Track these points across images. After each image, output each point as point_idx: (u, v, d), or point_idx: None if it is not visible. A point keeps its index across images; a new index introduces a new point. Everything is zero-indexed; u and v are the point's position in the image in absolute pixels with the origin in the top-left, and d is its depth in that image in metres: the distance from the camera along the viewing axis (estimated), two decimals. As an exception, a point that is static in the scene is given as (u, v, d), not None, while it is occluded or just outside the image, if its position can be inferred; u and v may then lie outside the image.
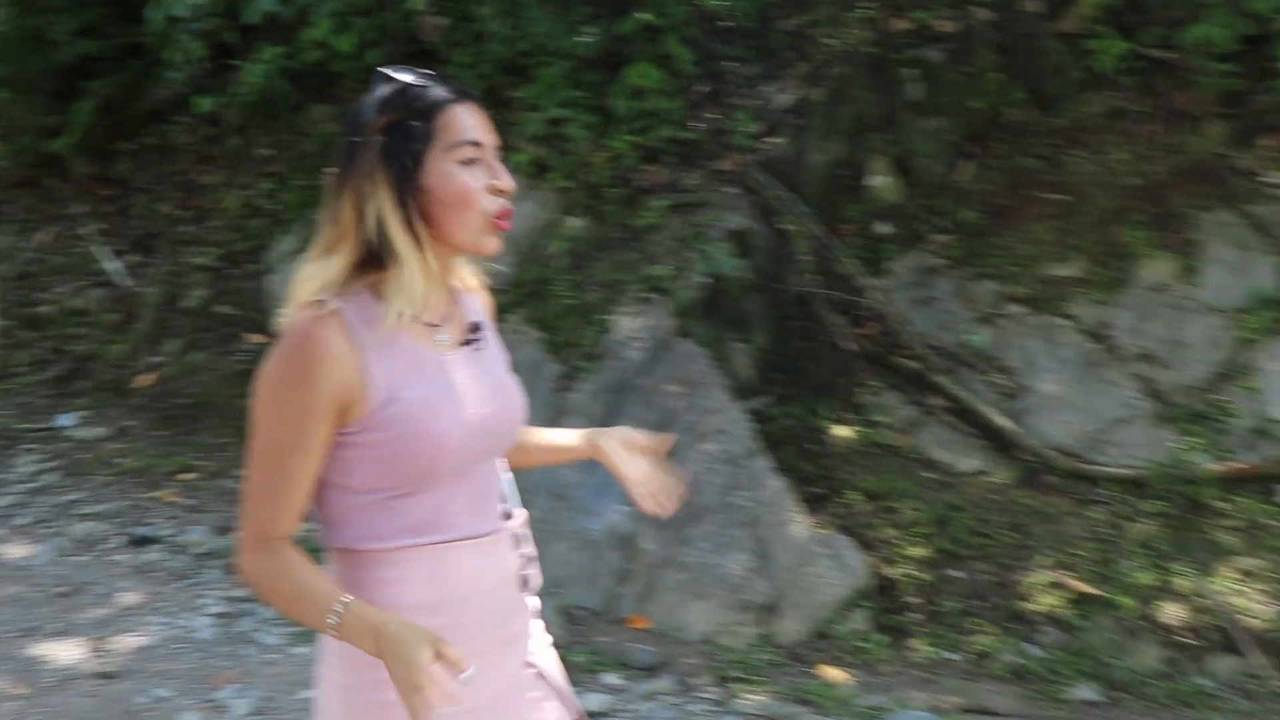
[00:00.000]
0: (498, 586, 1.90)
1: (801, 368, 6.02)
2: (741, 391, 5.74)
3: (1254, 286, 5.75)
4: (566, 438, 2.22)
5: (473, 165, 1.78)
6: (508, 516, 1.96)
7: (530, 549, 1.99)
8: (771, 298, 6.21)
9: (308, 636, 5.09)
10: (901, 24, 6.87)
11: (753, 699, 4.59)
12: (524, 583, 1.96)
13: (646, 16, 6.69)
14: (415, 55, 7.15)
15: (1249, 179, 6.06)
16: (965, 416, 5.69)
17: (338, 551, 1.84)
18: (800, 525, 5.19)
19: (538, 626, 2.04)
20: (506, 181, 1.81)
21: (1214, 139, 6.17)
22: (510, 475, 2.03)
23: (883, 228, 6.43)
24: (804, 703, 4.56)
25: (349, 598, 1.66)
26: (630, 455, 2.12)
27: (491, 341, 1.98)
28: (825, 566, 5.09)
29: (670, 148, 6.59)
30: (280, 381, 1.71)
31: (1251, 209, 5.97)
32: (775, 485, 5.29)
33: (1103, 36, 6.36)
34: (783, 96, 6.84)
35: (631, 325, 5.89)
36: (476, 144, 1.79)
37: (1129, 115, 6.36)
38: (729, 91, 6.92)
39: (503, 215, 1.80)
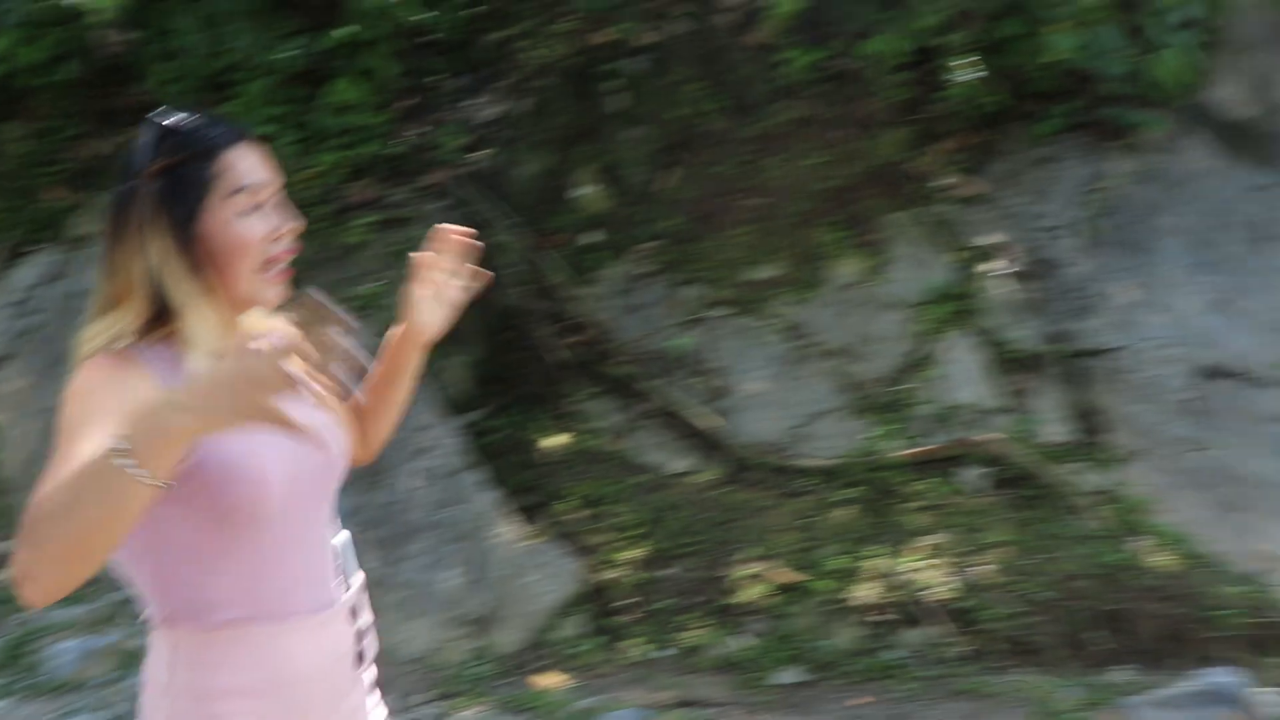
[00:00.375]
0: (334, 665, 1.79)
1: (515, 379, 6.08)
2: (455, 406, 5.75)
3: (932, 281, 6.16)
4: (386, 360, 2.07)
5: (253, 211, 1.68)
6: (344, 585, 1.84)
7: (367, 617, 1.88)
8: (483, 311, 6.21)
9: (32, 690, 4.84)
10: (603, 37, 7.01)
11: (470, 712, 4.61)
12: (360, 657, 1.85)
13: (350, 30, 6.61)
14: (110, 70, 6.87)
15: (925, 182, 6.47)
16: (674, 419, 5.87)
17: (164, 629, 1.70)
18: (514, 536, 5.24)
19: (373, 700, 1.95)
20: (289, 225, 1.72)
21: (894, 145, 6.56)
22: (347, 536, 1.90)
23: (591, 237, 6.56)
24: (520, 711, 4.62)
25: (121, 430, 1.33)
26: (436, 304, 2.00)
27: (303, 380, 1.90)
28: (540, 575, 5.16)
29: (377, 163, 6.53)
30: (71, 395, 1.54)
31: (928, 210, 6.38)
32: (488, 498, 5.33)
33: (791, 48, 6.66)
34: (489, 110, 6.89)
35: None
36: (257, 188, 1.69)
37: (818, 123, 6.68)
38: (435, 105, 6.92)
39: (284, 261, 1.72)
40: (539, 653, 5.07)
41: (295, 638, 1.72)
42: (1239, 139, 6.80)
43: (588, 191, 6.71)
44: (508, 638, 5.07)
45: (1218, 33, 6.79)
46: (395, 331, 2.04)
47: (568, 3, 6.92)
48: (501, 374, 6.12)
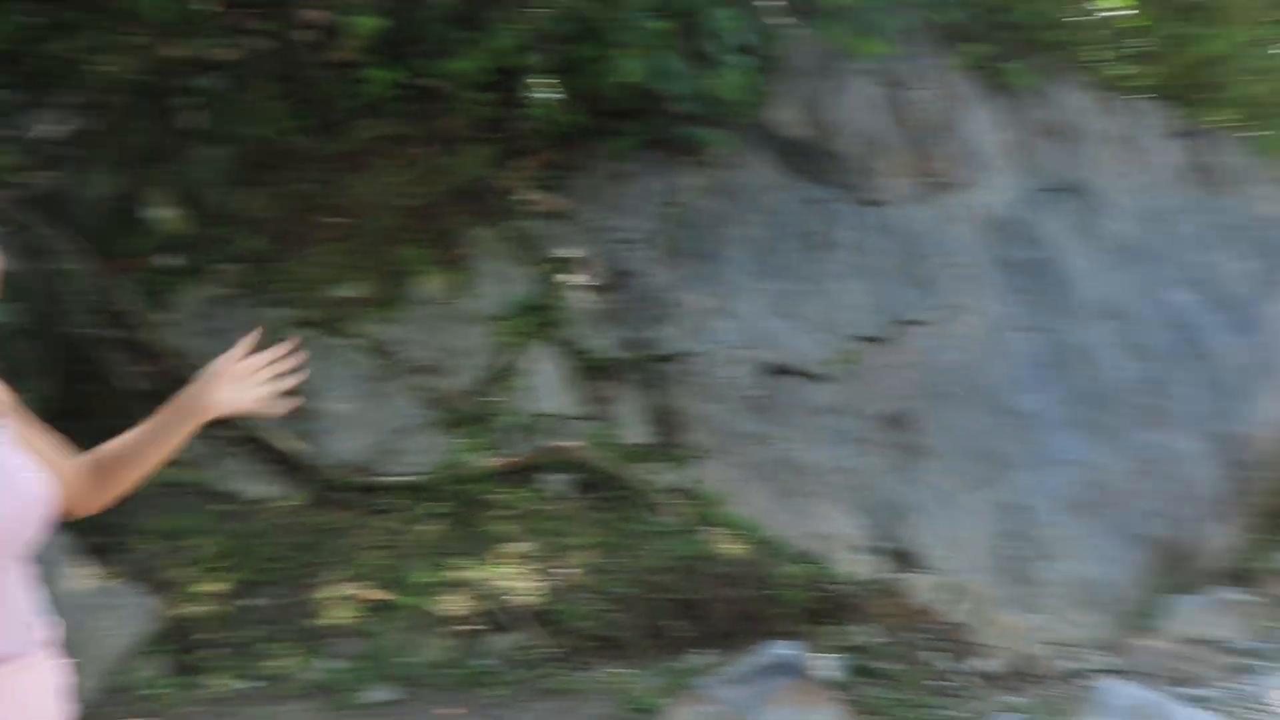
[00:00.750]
0: (35, 710, 1.72)
1: (87, 412, 5.72)
2: (16, 444, 5.38)
3: (515, 295, 6.34)
4: (158, 423, 1.95)
5: None
6: (38, 633, 1.75)
7: (65, 660, 1.82)
8: (51, 342, 5.87)
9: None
10: (176, 51, 6.75)
11: (31, 770, 4.33)
12: (57, 700, 1.78)
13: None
14: None
15: (508, 197, 6.64)
16: (257, 444, 5.74)
17: None
18: (85, 578, 4.97)
19: None
20: None
21: (477, 162, 6.69)
22: (39, 582, 1.79)
23: (167, 260, 6.30)
24: (92, 762, 4.38)
25: None
26: (235, 390, 1.96)
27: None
28: (114, 617, 4.91)
29: (-81, 186, 6.02)
30: None
31: (511, 224, 6.56)
32: (55, 540, 5.02)
33: (372, 66, 6.66)
34: (52, 127, 6.48)
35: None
36: None
37: (402, 141, 6.73)
38: (-11, 122, 6.45)
39: None
40: (115, 698, 4.82)
41: None
42: (796, 157, 7.41)
43: (163, 213, 6.44)
44: (81, 685, 4.77)
45: (774, 60, 7.37)
46: (182, 403, 1.97)
47: (137, 15, 6.62)
48: (73, 407, 5.75)
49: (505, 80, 6.69)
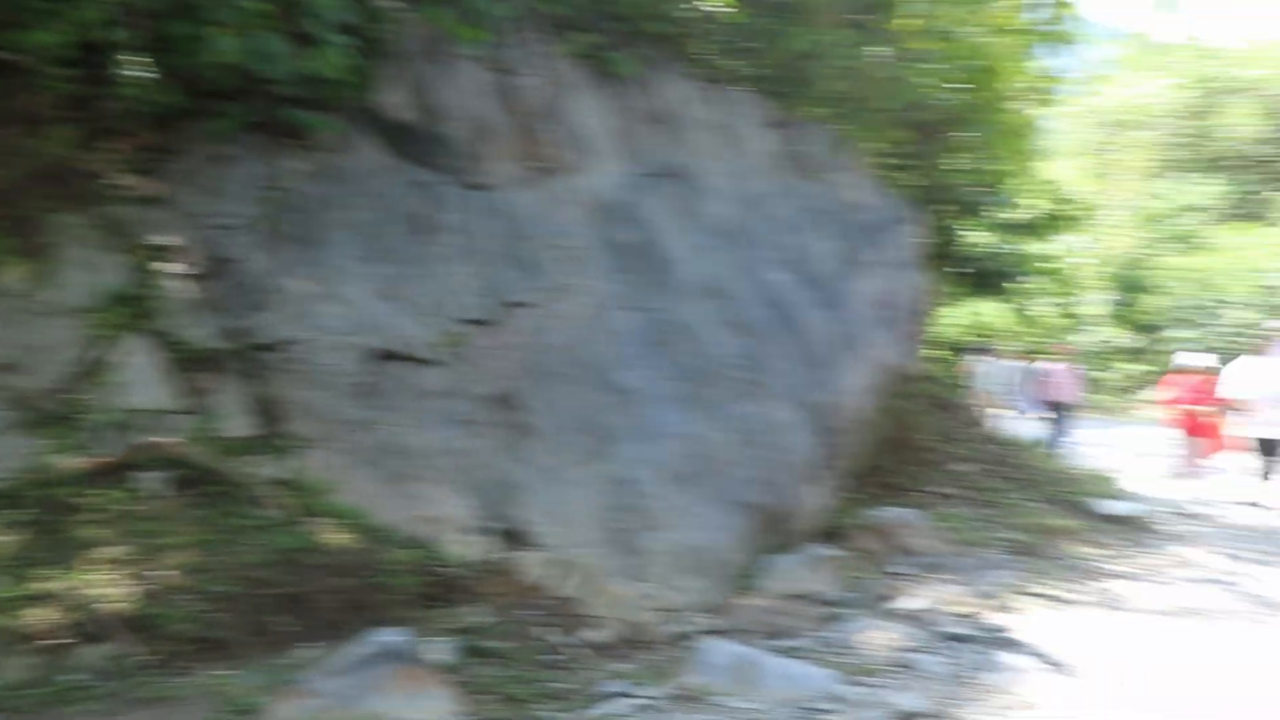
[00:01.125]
0: None
1: None
2: None
3: (105, 285, 6.04)
4: None
5: None
6: None
7: None
8: None
9: None
10: None
11: None
12: None
13: None
14: None
15: (97, 181, 6.30)
16: None
17: None
18: None
19: None
20: None
21: (62, 143, 6.30)
22: None
23: None
24: None
25: None
26: None
27: None
28: None
29: None
30: None
31: (101, 210, 6.23)
32: None
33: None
34: None
35: None
36: None
37: (-24, 118, 6.24)
38: None
39: None
40: None
41: None
42: (402, 140, 7.43)
43: None
44: None
45: (380, 42, 7.33)
46: None
47: None
48: None
49: (93, 56, 6.32)
